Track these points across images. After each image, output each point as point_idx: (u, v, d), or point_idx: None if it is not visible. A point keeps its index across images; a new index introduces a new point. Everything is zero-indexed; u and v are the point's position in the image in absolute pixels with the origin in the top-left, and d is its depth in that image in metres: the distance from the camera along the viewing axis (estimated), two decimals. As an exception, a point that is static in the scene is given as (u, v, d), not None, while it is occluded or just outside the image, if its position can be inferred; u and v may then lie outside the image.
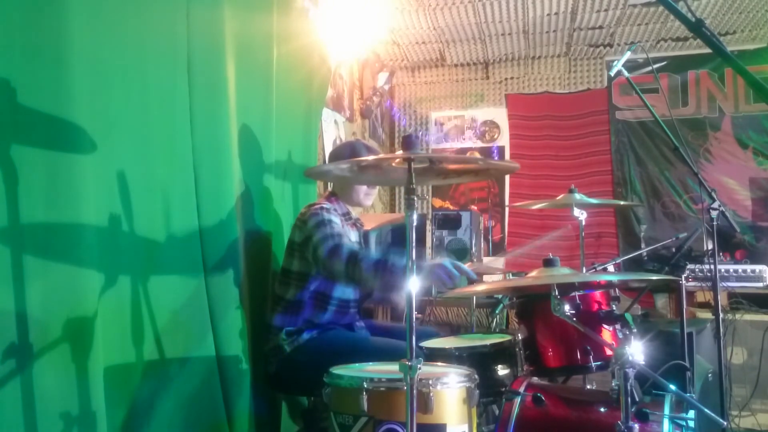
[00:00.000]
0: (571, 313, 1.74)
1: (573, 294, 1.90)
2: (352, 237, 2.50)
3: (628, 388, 1.54)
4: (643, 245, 4.70)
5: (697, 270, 3.61)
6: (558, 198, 2.56)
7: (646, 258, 3.85)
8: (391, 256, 2.14)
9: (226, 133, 2.33)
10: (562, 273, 1.77)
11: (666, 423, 1.68)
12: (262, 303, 2.56)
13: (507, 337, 2.16)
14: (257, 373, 2.42)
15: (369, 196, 2.59)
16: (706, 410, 1.61)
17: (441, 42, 4.95)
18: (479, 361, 2.00)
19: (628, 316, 1.72)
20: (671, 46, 4.96)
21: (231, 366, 2.25)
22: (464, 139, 5.58)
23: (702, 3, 4.18)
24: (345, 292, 2.43)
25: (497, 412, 2.00)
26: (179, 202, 2.12)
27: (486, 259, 4.90)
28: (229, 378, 2.24)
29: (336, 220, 2.36)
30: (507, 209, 5.34)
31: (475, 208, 4.97)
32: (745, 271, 3.90)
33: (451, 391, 1.58)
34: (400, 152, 1.50)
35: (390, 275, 2.09)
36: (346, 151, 2.56)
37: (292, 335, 2.35)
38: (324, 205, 2.41)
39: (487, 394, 2.01)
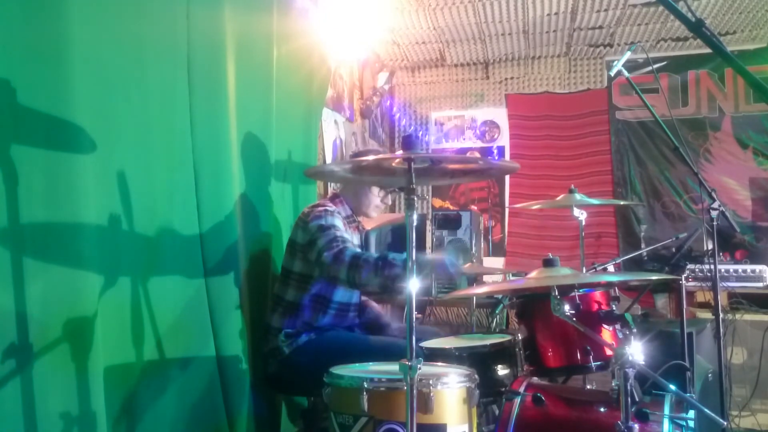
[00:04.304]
0: (571, 313, 1.74)
1: (573, 294, 1.90)
2: (354, 240, 2.50)
3: (628, 388, 1.54)
4: (643, 245, 4.70)
5: (697, 270, 3.61)
6: (558, 198, 2.55)
7: (646, 258, 3.85)
8: (391, 253, 2.14)
9: (226, 133, 2.33)
10: (562, 273, 1.77)
11: (666, 423, 1.68)
12: (262, 304, 2.56)
13: (507, 337, 2.16)
14: (257, 374, 2.42)
15: (378, 209, 2.56)
16: (706, 410, 1.61)
17: (441, 42, 4.95)
18: (479, 361, 2.00)
19: (628, 316, 1.72)
20: (671, 46, 4.96)
21: (231, 366, 2.25)
22: (464, 139, 5.58)
23: (702, 3, 4.18)
24: (346, 295, 2.42)
25: (497, 412, 2.00)
26: (179, 203, 2.12)
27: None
28: (229, 378, 2.24)
29: (338, 223, 2.33)
30: (507, 209, 5.34)
31: (475, 208, 4.96)
32: (745, 271, 3.89)
33: (451, 391, 1.58)
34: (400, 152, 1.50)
35: (391, 271, 2.09)
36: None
37: (291, 337, 2.35)
38: (328, 207, 2.39)
39: (487, 394, 2.01)
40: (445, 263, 2.11)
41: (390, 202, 2.62)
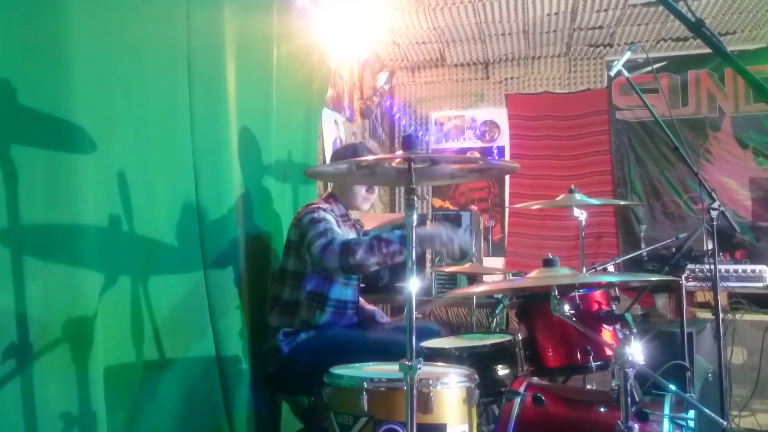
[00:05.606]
0: (571, 313, 1.74)
1: (573, 294, 1.90)
2: (350, 237, 2.50)
3: (628, 388, 1.54)
4: (643, 245, 4.69)
5: (697, 270, 3.60)
6: (558, 198, 2.55)
7: (646, 258, 3.85)
8: (383, 233, 2.17)
9: (226, 133, 2.33)
10: (562, 273, 1.77)
11: (666, 423, 1.68)
12: (262, 303, 2.56)
13: (507, 337, 2.16)
14: (257, 373, 2.42)
15: (367, 200, 2.58)
16: (706, 410, 1.61)
17: (441, 42, 4.95)
18: (479, 361, 2.00)
19: (628, 316, 1.71)
20: (671, 46, 4.96)
21: (231, 366, 2.25)
22: (464, 139, 5.58)
23: (702, 3, 4.18)
24: (342, 293, 2.42)
25: (497, 412, 2.00)
26: (179, 202, 2.12)
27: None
28: (229, 378, 2.24)
29: (330, 218, 2.36)
30: (507, 209, 5.34)
31: (475, 208, 4.96)
32: (745, 271, 3.89)
33: (451, 391, 1.58)
34: (400, 152, 1.50)
35: (388, 248, 2.13)
36: (348, 152, 2.55)
37: (290, 336, 2.35)
38: (321, 206, 2.42)
39: (487, 394, 2.01)
40: (442, 236, 2.14)
41: (376, 192, 2.64)
